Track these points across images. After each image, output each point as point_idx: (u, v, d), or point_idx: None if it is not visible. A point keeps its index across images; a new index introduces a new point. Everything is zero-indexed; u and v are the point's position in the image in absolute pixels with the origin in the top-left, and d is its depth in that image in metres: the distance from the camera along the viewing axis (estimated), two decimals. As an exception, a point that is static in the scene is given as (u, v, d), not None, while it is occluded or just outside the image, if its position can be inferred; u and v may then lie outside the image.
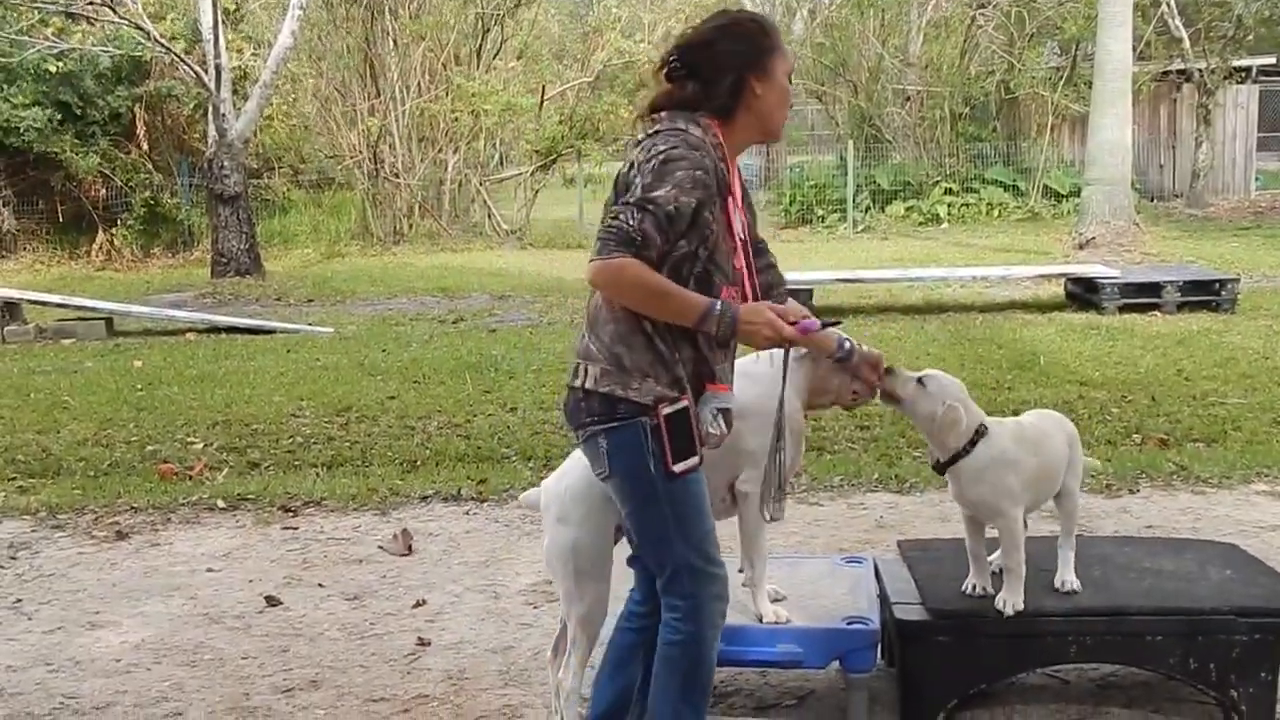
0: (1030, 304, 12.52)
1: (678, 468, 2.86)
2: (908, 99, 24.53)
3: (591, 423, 2.89)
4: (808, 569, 3.87)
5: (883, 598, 3.65)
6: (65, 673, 4.12)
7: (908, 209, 22.44)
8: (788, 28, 29.07)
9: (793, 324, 2.93)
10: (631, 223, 2.74)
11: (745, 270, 2.99)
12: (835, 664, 3.41)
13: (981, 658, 3.34)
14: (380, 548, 5.39)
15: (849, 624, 3.37)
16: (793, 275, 12.54)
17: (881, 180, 22.99)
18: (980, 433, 3.37)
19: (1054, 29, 24.35)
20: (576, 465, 3.38)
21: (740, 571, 3.51)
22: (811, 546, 5.22)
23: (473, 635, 4.34)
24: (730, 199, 2.92)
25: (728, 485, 3.38)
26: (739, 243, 2.96)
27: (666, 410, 2.84)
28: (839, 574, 3.80)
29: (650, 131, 2.91)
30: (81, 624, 4.58)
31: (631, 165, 2.87)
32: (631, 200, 2.76)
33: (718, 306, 2.83)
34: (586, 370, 2.89)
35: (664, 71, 2.99)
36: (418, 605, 4.64)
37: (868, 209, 22.48)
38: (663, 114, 2.94)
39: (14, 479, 6.82)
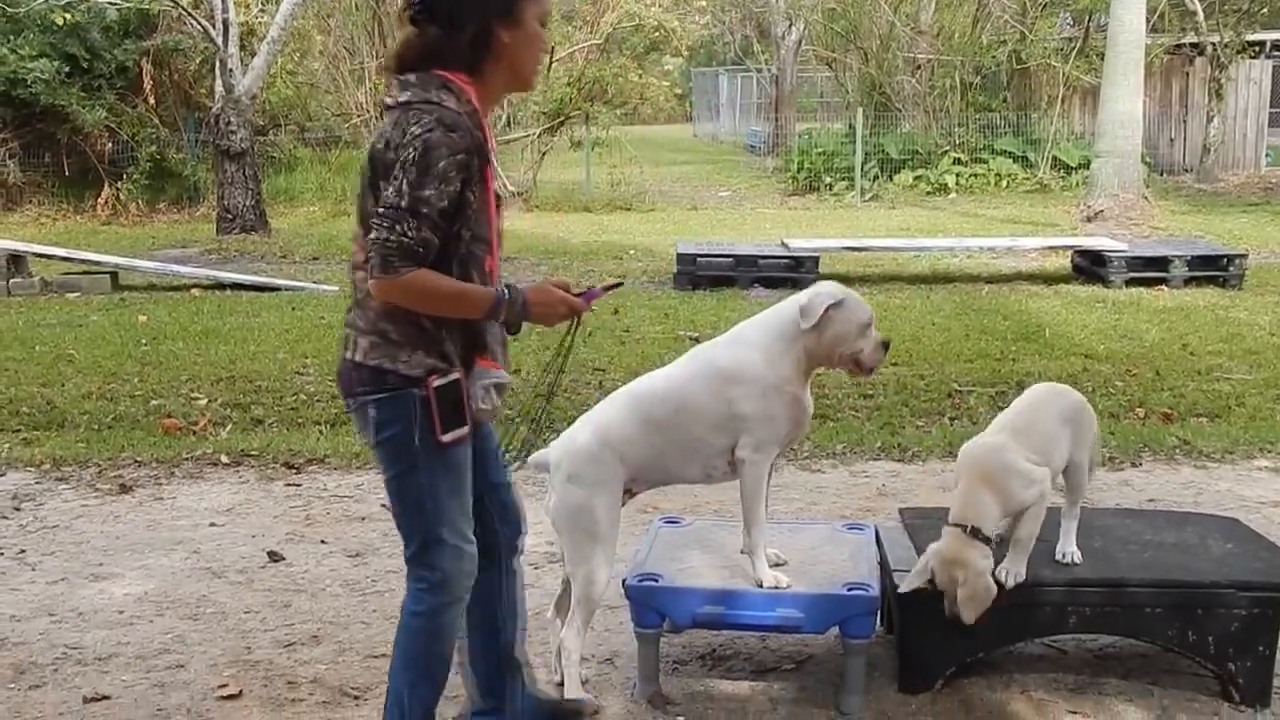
0: (1037, 275, 12.49)
1: (446, 437, 2.82)
2: (918, 67, 24.40)
3: (362, 392, 2.87)
4: (809, 535, 3.88)
5: (883, 565, 3.66)
6: (68, 623, 4.14)
7: (916, 178, 22.35)
8: (801, -7, 28.94)
9: (578, 295, 2.98)
10: (411, 234, 2.70)
11: (498, 230, 2.99)
12: (834, 630, 3.43)
13: (980, 626, 3.35)
14: (383, 506, 5.38)
15: (849, 590, 3.38)
16: (799, 242, 12.54)
17: (890, 149, 22.89)
18: None
19: (1066, 1, 24.20)
20: (586, 426, 3.40)
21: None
22: (813, 513, 5.23)
23: (474, 594, 4.35)
24: (488, 166, 2.85)
25: (727, 450, 3.39)
26: (493, 200, 2.92)
27: (437, 382, 2.81)
28: (840, 540, 3.81)
29: (401, 101, 2.81)
30: (85, 575, 4.60)
31: (388, 144, 2.77)
32: (403, 205, 2.70)
33: (506, 294, 2.86)
34: (356, 342, 2.86)
35: (406, 14, 2.86)
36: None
37: (876, 177, 22.39)
38: (412, 78, 2.82)
39: (18, 431, 6.83)
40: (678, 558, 3.65)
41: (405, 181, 2.71)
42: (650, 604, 3.43)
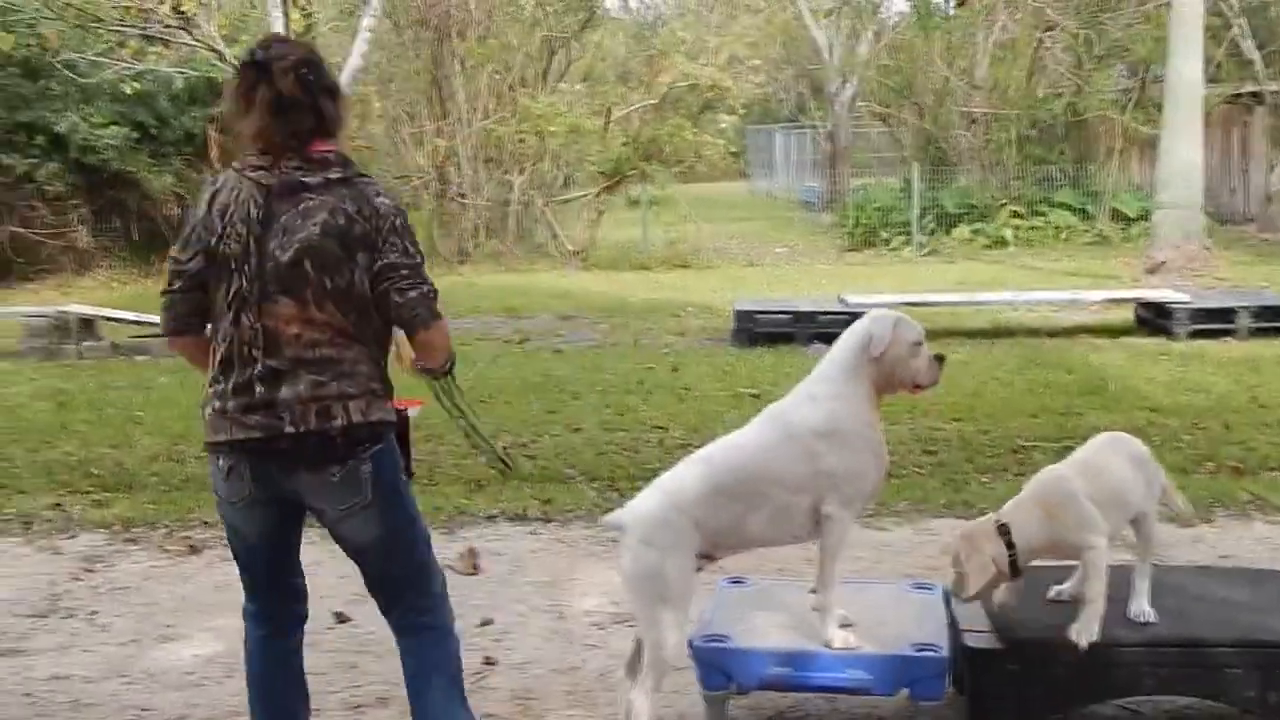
0: (1099, 328, 12.36)
1: (412, 467, 3.04)
2: (974, 121, 24.39)
3: (363, 450, 3.02)
4: (875, 594, 3.85)
5: (952, 625, 3.62)
6: (139, 685, 4.19)
7: (973, 232, 22.25)
8: (852, 50, 29.08)
9: None
10: (432, 285, 3.08)
11: None
12: (904, 691, 3.39)
13: (1054, 688, 3.31)
14: (448, 566, 5.41)
15: (918, 651, 3.35)
16: (858, 298, 12.51)
17: (947, 203, 22.83)
18: None
19: (1123, 51, 24.09)
20: (659, 491, 3.41)
21: (811, 593, 3.51)
22: (878, 572, 5.18)
23: (539, 655, 4.35)
24: None
25: (812, 510, 3.38)
26: None
27: (411, 412, 3.06)
28: (907, 600, 3.78)
29: (338, 178, 3.01)
30: (154, 637, 4.65)
31: (351, 218, 2.98)
32: (418, 262, 3.05)
33: None
34: (348, 408, 3.00)
35: (294, 91, 3.00)
36: (484, 624, 4.67)
37: (933, 232, 22.33)
38: (329, 155, 3.04)
39: (89, 492, 6.94)
40: (744, 618, 3.63)
41: (405, 243, 3.03)
42: (717, 665, 3.41)
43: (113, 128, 19.72)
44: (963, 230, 22.34)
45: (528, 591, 5.05)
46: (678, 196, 23.57)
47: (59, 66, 19.18)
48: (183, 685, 4.18)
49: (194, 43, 17.89)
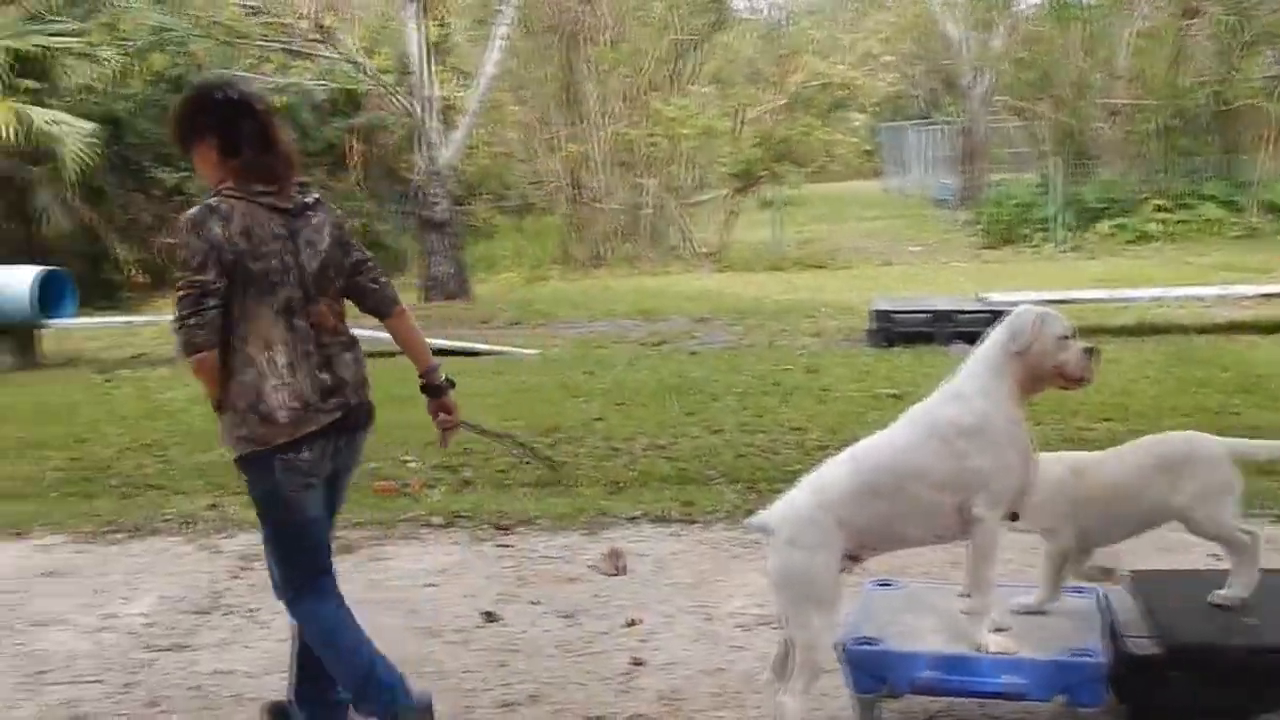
0: (1254, 324, 11.94)
1: None
2: (1115, 113, 23.76)
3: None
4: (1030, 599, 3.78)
5: (1112, 630, 3.54)
6: (299, 681, 4.30)
7: (1115, 227, 21.66)
8: (986, 43, 28.56)
9: None
10: None
11: None
12: (1060, 698, 3.33)
13: (1219, 695, 3.21)
14: (591, 567, 5.48)
15: (1076, 656, 3.28)
16: (998, 296, 12.29)
17: (1088, 197, 22.27)
18: None
19: (1272, 36, 23.23)
20: (806, 490, 3.40)
21: (963, 596, 3.46)
22: (1029, 576, 5.07)
23: (685, 656, 4.37)
24: None
25: (958, 507, 3.34)
26: None
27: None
28: (1064, 604, 3.70)
29: (318, 198, 3.69)
30: (313, 634, 4.77)
31: (338, 226, 3.71)
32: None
33: None
34: (368, 382, 3.79)
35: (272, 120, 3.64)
36: (630, 625, 4.70)
37: (1073, 227, 21.81)
38: (307, 181, 3.71)
39: (241, 493, 7.06)
40: (894, 621, 3.60)
41: (362, 250, 3.81)
42: (869, 668, 3.39)
43: (258, 140, 20.34)
44: (1104, 225, 21.77)
45: (672, 593, 5.07)
46: (810, 196, 23.42)
47: (208, 82, 19.83)
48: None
49: (334, 56, 18.36)
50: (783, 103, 23.80)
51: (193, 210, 3.50)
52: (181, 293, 3.44)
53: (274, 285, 3.46)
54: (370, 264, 3.77)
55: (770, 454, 7.52)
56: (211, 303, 3.41)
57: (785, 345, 12.18)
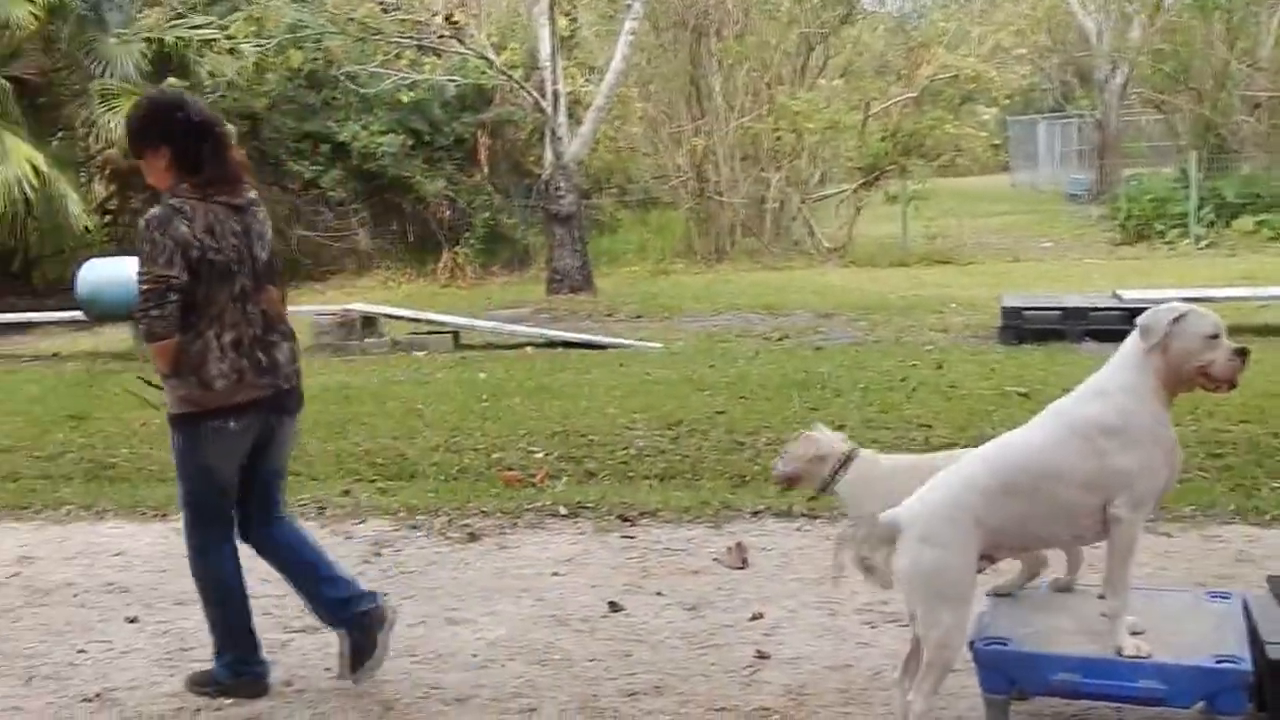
0: (1407, 326, 11.48)
1: None
2: (1257, 106, 22.99)
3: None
4: (1168, 602, 3.70)
5: (1253, 637, 3.44)
6: (428, 665, 4.40)
7: (1258, 223, 20.95)
8: (1123, 34, 27.84)
9: None
10: None
11: None
12: (1199, 705, 3.24)
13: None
14: (715, 560, 5.49)
15: (1219, 662, 3.19)
16: (1134, 293, 11.98)
17: (1227, 193, 21.57)
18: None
19: None
20: (940, 488, 3.37)
21: (1099, 598, 3.40)
22: (1164, 579, 4.96)
23: (810, 651, 4.35)
24: None
25: (1098, 509, 3.28)
26: None
27: None
28: (1204, 609, 3.60)
29: (255, 195, 4.14)
30: (440, 619, 4.87)
31: (268, 221, 4.19)
32: None
33: None
34: (300, 369, 4.23)
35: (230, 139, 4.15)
36: (755, 618, 4.70)
37: (1212, 223, 21.14)
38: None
39: (374, 481, 7.32)
40: (1026, 621, 3.54)
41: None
42: (1001, 669, 3.34)
43: (389, 135, 20.75)
44: (1246, 221, 21.06)
45: (796, 587, 5.06)
46: (937, 191, 23.08)
47: (342, 78, 20.30)
48: (468, 666, 4.36)
49: (465, 51, 18.62)
50: (911, 96, 23.49)
51: (156, 210, 3.92)
52: (146, 286, 3.85)
53: (232, 274, 3.96)
54: (278, 258, 4.29)
55: (897, 450, 7.43)
56: (173, 297, 3.85)
57: (911, 341, 12.04)
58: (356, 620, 4.16)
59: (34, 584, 5.54)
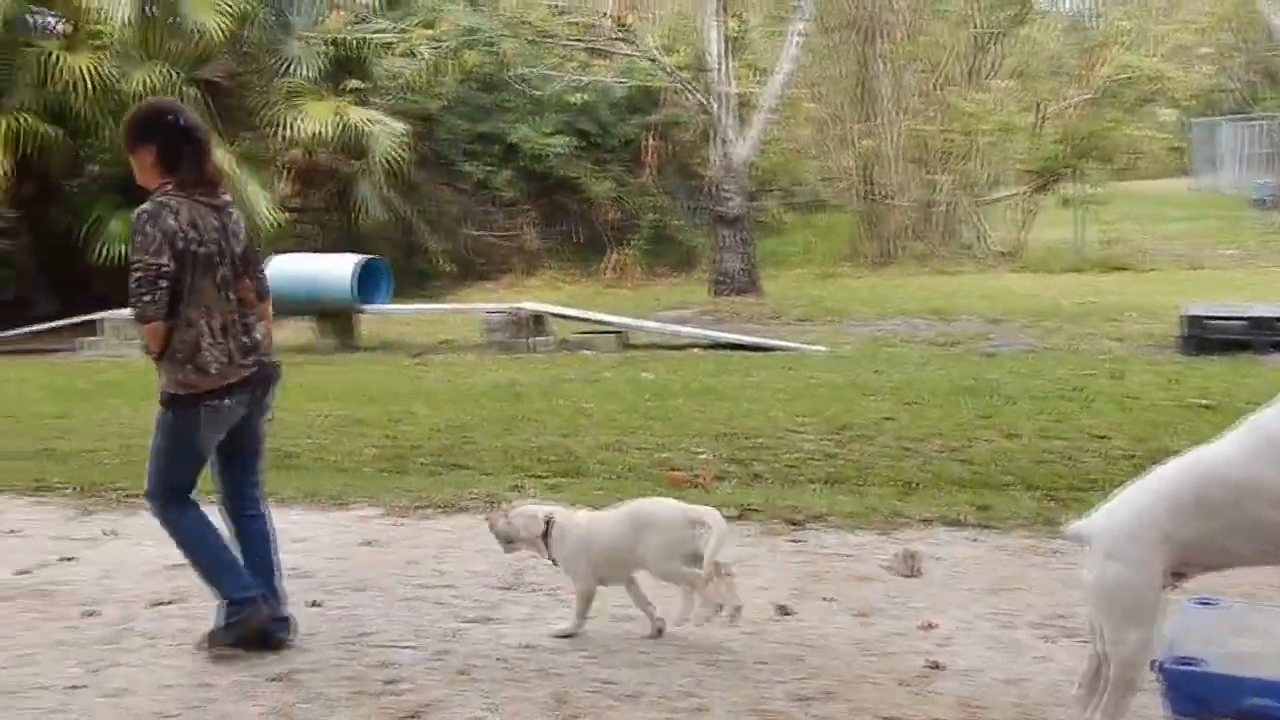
0: None
1: None
2: None
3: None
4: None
5: None
6: (600, 660, 4.44)
7: None
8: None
9: None
10: None
11: None
12: None
13: None
14: (885, 567, 5.43)
15: None
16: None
17: None
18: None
19: None
20: (1128, 502, 3.28)
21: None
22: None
23: (984, 663, 4.27)
24: None
25: None
26: None
27: None
28: None
29: (228, 196, 4.62)
30: (610, 615, 4.90)
31: (243, 220, 4.66)
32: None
33: None
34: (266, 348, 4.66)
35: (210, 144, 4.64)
36: (926, 628, 4.63)
37: None
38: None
39: (543, 477, 7.44)
40: (1216, 641, 3.42)
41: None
42: (1189, 690, 3.23)
43: (559, 136, 21.07)
44: None
45: (969, 598, 4.97)
46: (1114, 195, 22.40)
47: (514, 81, 20.69)
48: (637, 663, 4.40)
49: (634, 54, 18.78)
50: (1088, 97, 22.86)
51: (146, 205, 4.34)
52: (139, 274, 4.29)
53: (215, 265, 4.43)
54: (258, 254, 4.87)
55: (1071, 461, 7.26)
56: (164, 284, 4.30)
57: (1087, 350, 11.72)
58: (244, 608, 4.54)
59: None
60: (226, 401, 4.45)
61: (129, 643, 4.79)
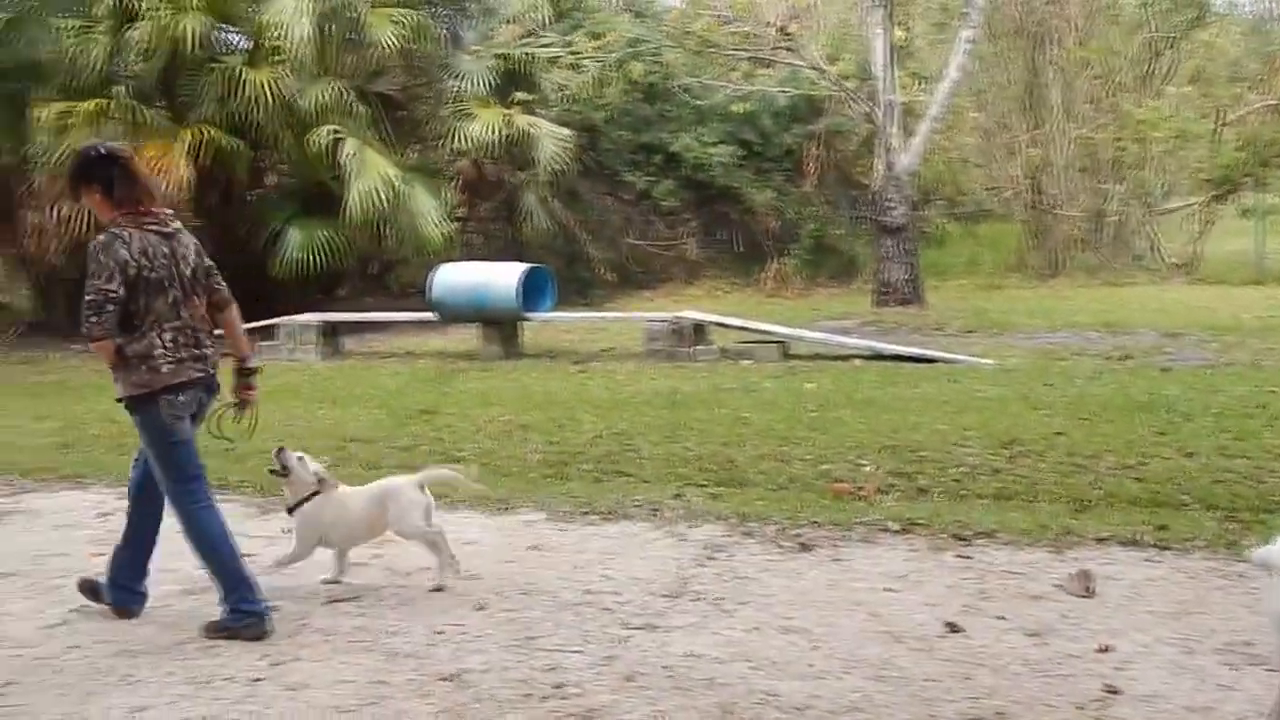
0: None
1: None
2: None
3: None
4: None
5: None
6: (764, 671, 4.43)
7: None
8: None
9: None
10: None
11: None
12: None
13: None
14: (1058, 586, 5.29)
15: None
16: None
17: None
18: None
19: None
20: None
21: None
22: None
23: (1165, 690, 4.13)
24: None
25: None
26: None
27: None
28: None
29: (179, 225, 5.13)
30: (775, 627, 4.90)
31: (195, 244, 5.16)
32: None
33: None
34: (214, 360, 5.12)
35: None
36: (1103, 650, 4.50)
37: None
38: (170, 212, 5.16)
39: (705, 486, 7.45)
40: None
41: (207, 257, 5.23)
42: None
43: (721, 146, 21.11)
44: None
45: (1148, 621, 4.81)
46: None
47: (677, 90, 20.80)
48: (804, 676, 4.37)
49: (798, 63, 18.72)
50: (1271, 104, 21.96)
51: (102, 237, 4.89)
52: (90, 297, 4.80)
53: (165, 287, 4.94)
54: (214, 270, 5.20)
55: (1253, 481, 6.98)
56: (111, 308, 4.80)
57: (1270, 365, 11.24)
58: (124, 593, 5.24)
59: (395, 566, 5.93)
60: (181, 397, 4.96)
61: (307, 638, 4.96)
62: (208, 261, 5.20)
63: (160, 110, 17.56)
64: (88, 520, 6.92)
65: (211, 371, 5.11)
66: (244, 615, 4.97)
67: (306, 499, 5.57)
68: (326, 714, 4.17)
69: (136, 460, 5.27)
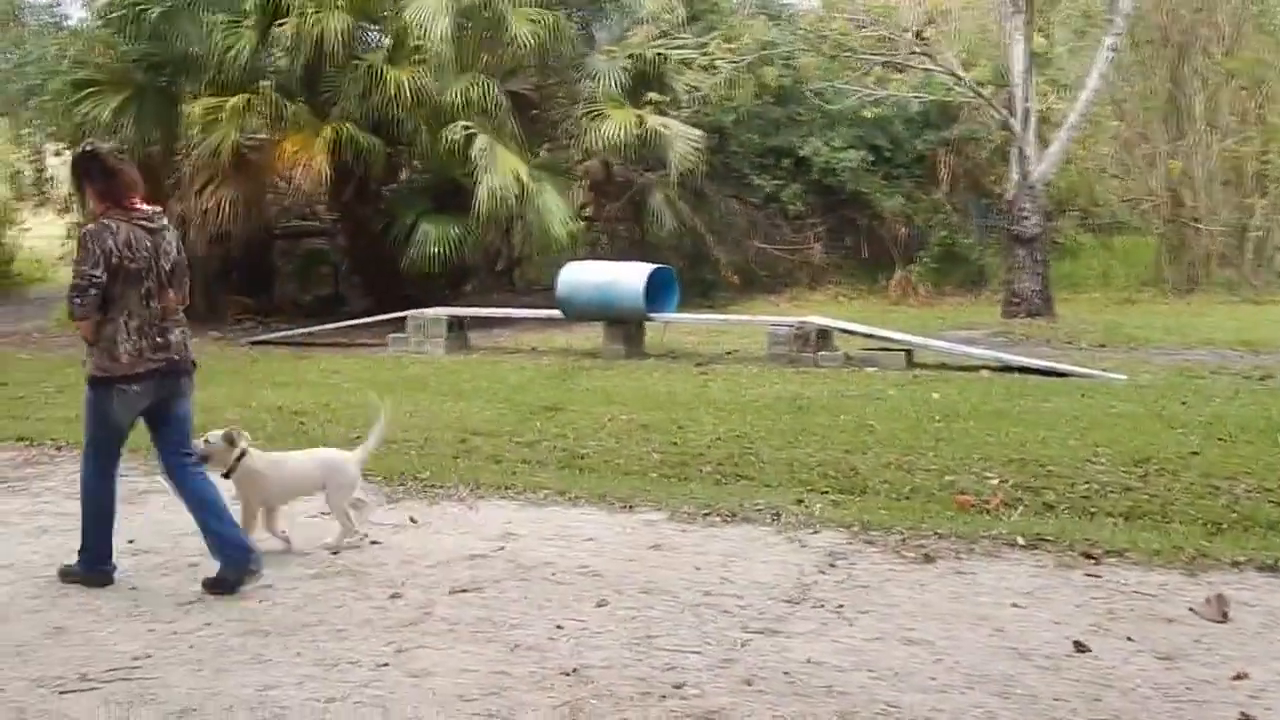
0: None
1: None
2: None
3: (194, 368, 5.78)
4: None
5: None
6: (885, 682, 4.39)
7: None
8: None
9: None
10: None
11: None
12: None
13: None
14: (1191, 610, 5.15)
15: None
16: None
17: None
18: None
19: None
20: None
21: None
22: None
23: (1304, 723, 4.01)
24: None
25: None
26: None
27: None
28: None
29: (166, 221, 5.66)
30: (897, 638, 4.85)
31: (175, 240, 5.69)
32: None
33: None
34: (189, 346, 5.72)
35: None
36: (1238, 678, 4.37)
37: None
38: (160, 209, 5.75)
39: (826, 492, 7.40)
40: None
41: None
42: None
43: (850, 151, 20.95)
44: None
45: (1286, 650, 4.66)
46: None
47: (808, 94, 20.68)
48: (927, 689, 4.32)
49: (934, 68, 18.47)
50: None
51: (91, 226, 5.42)
52: (76, 280, 5.33)
53: (141, 278, 5.43)
54: (187, 271, 5.74)
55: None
56: (93, 291, 5.32)
57: None
58: (234, 560, 5.54)
59: (517, 559, 6.01)
60: (135, 388, 5.46)
61: (431, 626, 5.05)
62: (182, 257, 5.72)
63: (303, 105, 17.99)
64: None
65: (175, 358, 5.59)
66: (92, 570, 5.66)
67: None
68: (449, 702, 4.25)
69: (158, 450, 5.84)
